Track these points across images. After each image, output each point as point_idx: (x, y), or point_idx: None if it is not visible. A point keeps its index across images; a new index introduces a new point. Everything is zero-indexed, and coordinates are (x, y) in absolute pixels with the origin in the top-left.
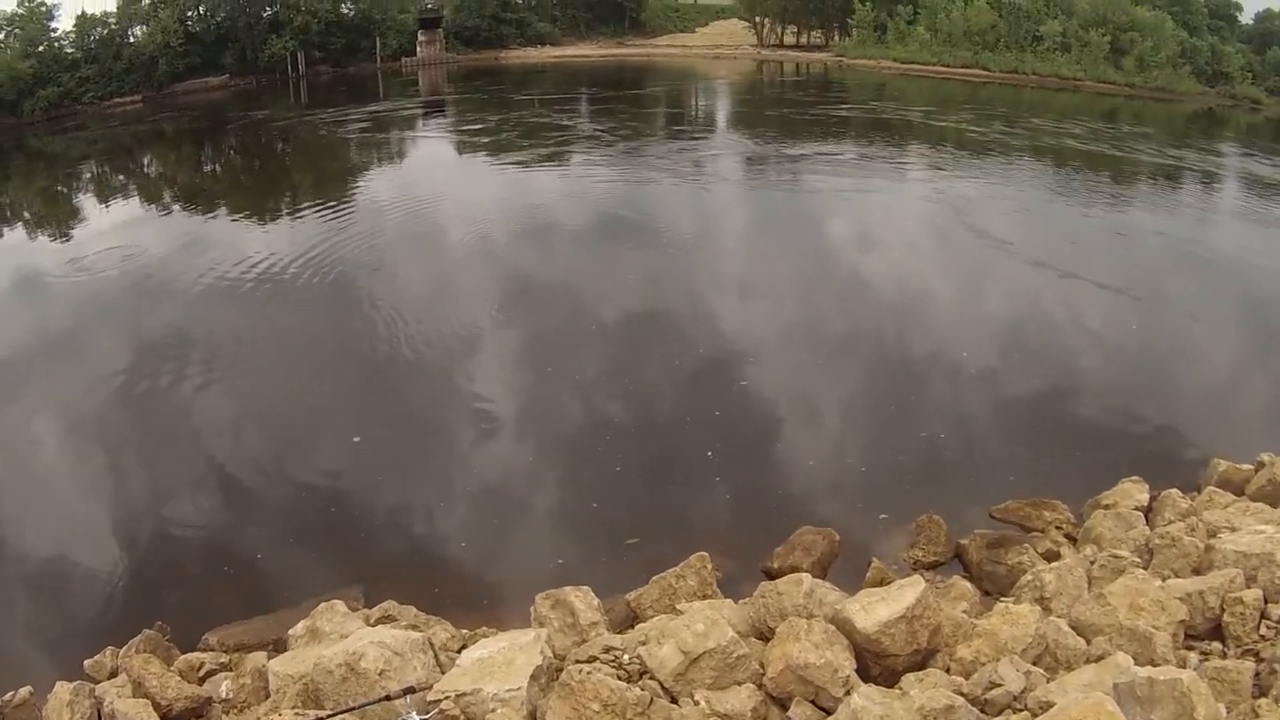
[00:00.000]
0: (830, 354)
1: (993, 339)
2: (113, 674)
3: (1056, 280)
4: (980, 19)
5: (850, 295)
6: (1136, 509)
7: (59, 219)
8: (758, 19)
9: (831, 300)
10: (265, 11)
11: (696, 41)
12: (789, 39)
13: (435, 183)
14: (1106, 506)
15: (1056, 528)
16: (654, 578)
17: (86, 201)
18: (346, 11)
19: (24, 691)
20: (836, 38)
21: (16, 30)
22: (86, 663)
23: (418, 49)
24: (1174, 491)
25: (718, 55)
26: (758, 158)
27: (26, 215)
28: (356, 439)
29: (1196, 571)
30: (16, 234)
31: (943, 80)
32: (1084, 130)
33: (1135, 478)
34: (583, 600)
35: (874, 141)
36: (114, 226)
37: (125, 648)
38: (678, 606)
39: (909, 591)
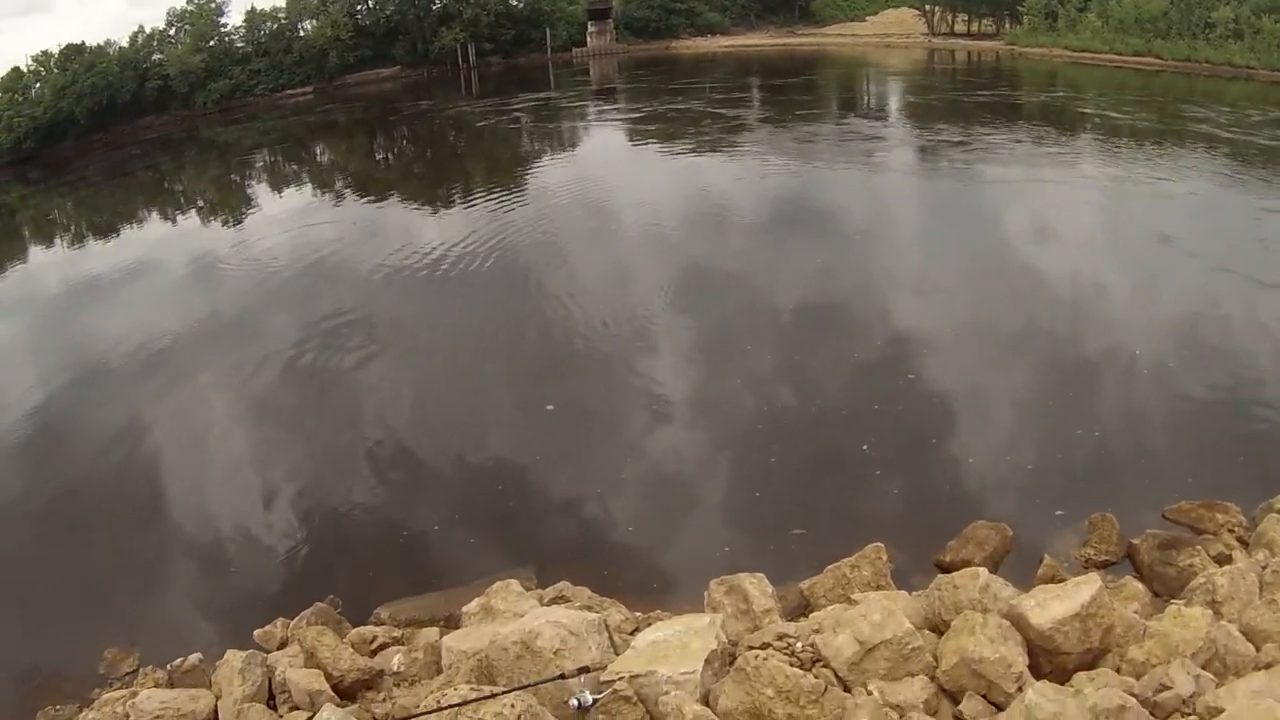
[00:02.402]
0: (1001, 348)
1: (1166, 337)
2: (282, 644)
3: (1233, 279)
4: (1151, 6)
5: (1019, 289)
6: None
7: (232, 206)
8: (928, 7)
9: (1000, 294)
10: (435, 4)
11: (866, 30)
12: (959, 27)
13: (607, 169)
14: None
15: (1229, 530)
16: (828, 567)
17: (259, 189)
18: (516, 4)
19: (194, 658)
20: (1007, 26)
21: (187, 26)
22: (256, 633)
23: (588, 40)
24: None
25: (888, 44)
26: (929, 147)
27: (200, 203)
28: (550, 406)
29: None
30: (190, 221)
31: (1115, 69)
32: (1257, 121)
33: None
34: (757, 587)
35: (1045, 131)
36: (288, 213)
37: (296, 619)
38: (852, 596)
39: (1084, 589)
